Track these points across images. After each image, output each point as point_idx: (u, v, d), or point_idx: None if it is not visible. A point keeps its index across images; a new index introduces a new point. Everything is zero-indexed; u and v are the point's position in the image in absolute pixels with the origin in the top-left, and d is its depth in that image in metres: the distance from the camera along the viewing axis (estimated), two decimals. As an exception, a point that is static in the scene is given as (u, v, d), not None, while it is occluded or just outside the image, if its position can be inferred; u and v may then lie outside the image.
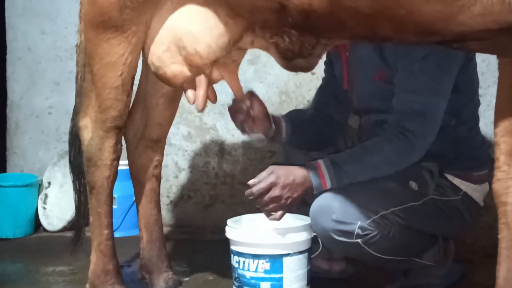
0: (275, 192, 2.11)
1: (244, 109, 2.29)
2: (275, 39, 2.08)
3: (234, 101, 2.33)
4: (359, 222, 2.09)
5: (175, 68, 2.11)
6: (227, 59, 2.20)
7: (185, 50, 2.07)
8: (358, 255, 2.23)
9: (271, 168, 2.17)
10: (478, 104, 2.39)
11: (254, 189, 2.13)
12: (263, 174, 2.15)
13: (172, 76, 2.12)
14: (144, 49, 2.16)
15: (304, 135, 2.44)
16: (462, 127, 2.30)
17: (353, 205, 2.10)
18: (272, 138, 2.42)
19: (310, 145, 2.45)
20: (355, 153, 2.18)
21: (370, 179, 2.15)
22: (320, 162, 2.14)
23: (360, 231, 2.09)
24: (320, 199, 2.15)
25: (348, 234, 2.09)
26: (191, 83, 2.15)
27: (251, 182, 2.14)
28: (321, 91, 2.63)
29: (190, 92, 2.17)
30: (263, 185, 2.12)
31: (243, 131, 2.36)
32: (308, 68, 2.16)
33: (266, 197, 2.12)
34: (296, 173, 2.13)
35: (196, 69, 2.11)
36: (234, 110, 2.33)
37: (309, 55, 2.09)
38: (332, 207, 2.10)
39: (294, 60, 2.11)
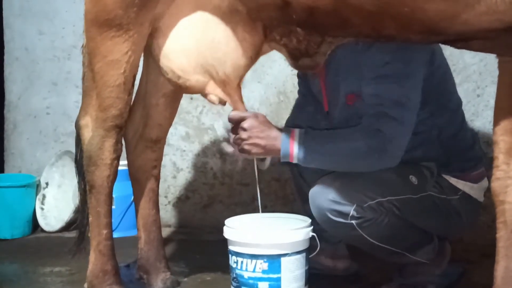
0: (245, 124, 2.14)
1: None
2: (284, 41, 2.11)
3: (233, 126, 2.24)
4: (355, 205, 2.13)
5: (198, 77, 2.15)
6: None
7: (218, 76, 2.13)
8: (352, 238, 2.25)
9: (259, 114, 2.21)
10: (457, 108, 2.38)
11: (231, 114, 2.18)
12: (248, 112, 2.20)
13: (193, 86, 2.17)
14: (154, 50, 2.16)
15: None
16: (445, 134, 2.30)
17: (350, 189, 2.15)
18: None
19: None
20: (329, 133, 2.19)
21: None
22: (295, 130, 2.17)
23: (355, 213, 2.13)
24: (320, 181, 2.22)
25: (344, 214, 2.14)
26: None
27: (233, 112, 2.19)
28: (297, 110, 2.64)
29: (214, 96, 2.20)
30: (239, 114, 2.17)
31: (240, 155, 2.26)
32: (314, 66, 2.18)
33: (238, 127, 2.16)
34: (272, 129, 2.17)
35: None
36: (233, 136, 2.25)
37: (314, 54, 2.12)
38: (330, 189, 2.16)
39: (300, 59, 2.13)
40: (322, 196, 2.18)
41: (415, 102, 2.16)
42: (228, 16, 2.06)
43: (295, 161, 2.16)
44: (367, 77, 2.17)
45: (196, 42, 2.11)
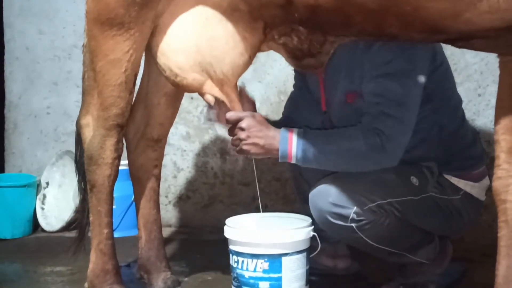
0: (243, 123, 2.14)
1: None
2: (284, 40, 2.10)
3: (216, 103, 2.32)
4: (355, 208, 2.13)
5: (195, 76, 2.14)
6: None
7: (215, 75, 2.12)
8: (352, 240, 2.25)
9: (256, 114, 2.20)
10: (457, 106, 2.38)
11: (228, 114, 2.17)
12: (245, 112, 2.19)
13: (190, 84, 2.16)
14: (153, 47, 2.16)
15: None
16: (445, 132, 2.30)
17: (351, 191, 2.14)
18: None
19: None
20: (328, 133, 2.20)
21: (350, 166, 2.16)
22: (294, 129, 2.16)
23: (355, 216, 2.13)
24: (320, 183, 2.21)
25: (343, 217, 2.13)
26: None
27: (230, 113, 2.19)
28: (292, 103, 2.63)
29: (210, 96, 2.19)
30: (237, 114, 2.17)
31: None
32: (318, 66, 2.18)
33: (236, 127, 2.16)
34: (270, 128, 2.16)
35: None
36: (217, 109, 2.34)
37: (317, 54, 2.12)
38: (330, 191, 2.16)
39: (303, 59, 2.13)
40: (322, 198, 2.17)
41: (415, 101, 2.15)
42: (229, 14, 2.05)
43: (293, 161, 2.15)
44: (368, 76, 2.17)
45: (195, 40, 2.10)
